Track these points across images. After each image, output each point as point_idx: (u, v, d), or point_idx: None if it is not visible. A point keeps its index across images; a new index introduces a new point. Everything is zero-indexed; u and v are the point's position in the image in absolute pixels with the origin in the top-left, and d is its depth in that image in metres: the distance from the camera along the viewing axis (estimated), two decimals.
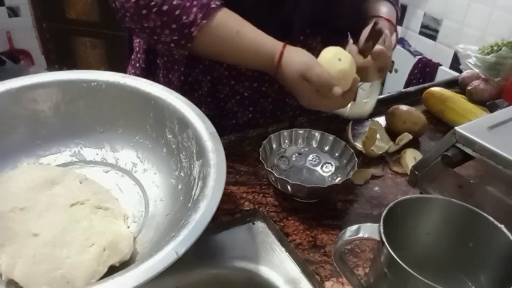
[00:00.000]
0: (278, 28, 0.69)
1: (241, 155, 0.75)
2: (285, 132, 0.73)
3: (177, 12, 0.65)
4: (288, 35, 0.70)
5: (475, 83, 0.95)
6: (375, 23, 0.69)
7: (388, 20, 0.78)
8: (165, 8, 0.65)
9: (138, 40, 0.89)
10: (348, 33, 0.85)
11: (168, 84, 0.84)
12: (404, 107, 0.85)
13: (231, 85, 0.81)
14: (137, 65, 0.89)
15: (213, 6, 0.65)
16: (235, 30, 0.67)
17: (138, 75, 0.88)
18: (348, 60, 0.66)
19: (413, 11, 2.04)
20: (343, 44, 0.73)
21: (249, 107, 0.84)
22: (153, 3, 0.65)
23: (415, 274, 0.38)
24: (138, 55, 0.89)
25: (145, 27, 0.67)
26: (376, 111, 0.92)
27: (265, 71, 0.70)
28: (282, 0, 0.71)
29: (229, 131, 0.84)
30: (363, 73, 0.71)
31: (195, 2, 0.65)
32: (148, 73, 0.87)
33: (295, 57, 0.66)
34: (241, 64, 0.74)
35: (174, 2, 0.65)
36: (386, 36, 0.72)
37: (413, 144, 0.81)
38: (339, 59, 0.65)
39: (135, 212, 0.57)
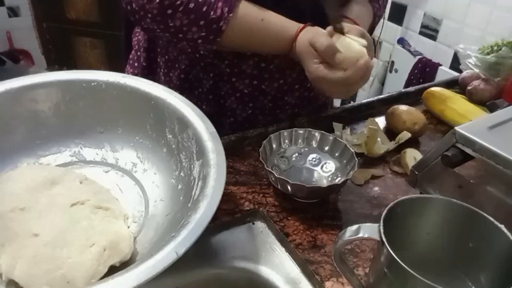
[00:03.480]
0: (289, 17, 0.70)
1: (241, 155, 0.75)
2: (285, 132, 0.73)
3: (204, 8, 0.66)
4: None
5: (475, 83, 0.95)
6: (334, 24, 0.68)
7: (354, 21, 0.75)
8: (191, 5, 0.65)
9: (136, 39, 0.89)
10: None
11: (169, 82, 0.84)
12: (404, 107, 0.85)
13: (231, 82, 0.81)
14: (136, 64, 0.90)
15: None
16: (259, 18, 0.69)
17: (137, 74, 0.88)
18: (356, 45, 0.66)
19: (413, 11, 2.04)
20: None
21: (249, 104, 0.84)
22: (178, 2, 0.65)
23: (415, 274, 0.38)
24: (139, 53, 0.89)
25: (170, 26, 0.67)
26: (376, 111, 0.93)
27: (284, 53, 0.71)
28: None
29: (227, 128, 0.84)
30: None
31: None
32: (148, 72, 0.87)
33: (309, 30, 0.68)
34: (265, 50, 0.75)
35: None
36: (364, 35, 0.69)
37: (413, 144, 0.81)
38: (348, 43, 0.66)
39: (135, 212, 0.57)
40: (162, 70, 0.85)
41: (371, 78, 2.29)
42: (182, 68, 0.81)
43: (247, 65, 0.79)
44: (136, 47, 0.89)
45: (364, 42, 0.66)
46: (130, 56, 0.91)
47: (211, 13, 0.66)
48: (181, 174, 0.58)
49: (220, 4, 0.66)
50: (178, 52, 0.81)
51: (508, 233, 0.42)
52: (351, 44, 0.66)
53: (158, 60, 0.85)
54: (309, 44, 0.66)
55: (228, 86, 0.81)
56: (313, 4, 0.75)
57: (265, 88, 0.83)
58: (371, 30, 0.85)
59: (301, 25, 0.69)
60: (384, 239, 0.41)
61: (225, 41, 0.69)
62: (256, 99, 0.84)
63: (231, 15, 0.67)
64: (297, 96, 0.87)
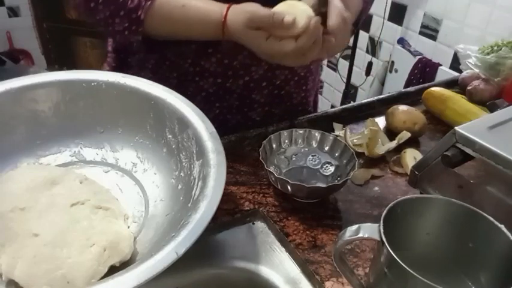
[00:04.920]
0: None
1: (241, 155, 0.75)
2: (285, 132, 0.73)
3: None
4: None
5: (475, 83, 0.95)
6: None
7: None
8: None
9: (109, 39, 0.89)
10: None
11: None
12: (404, 107, 0.85)
13: (196, 81, 0.80)
14: (108, 67, 0.89)
15: None
16: (180, 5, 0.67)
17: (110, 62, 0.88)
18: (305, 6, 0.62)
19: (413, 11, 2.04)
20: None
21: (215, 103, 0.82)
22: None
23: (415, 274, 0.38)
24: (109, 54, 0.88)
25: (98, 19, 0.69)
26: (376, 111, 0.93)
27: (217, 38, 0.68)
28: None
29: None
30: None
31: None
32: (119, 72, 0.86)
33: (239, 11, 0.64)
34: (195, 37, 0.72)
35: None
36: (330, 14, 0.62)
37: (413, 144, 0.81)
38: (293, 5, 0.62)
39: (135, 212, 0.57)
40: (133, 71, 0.83)
41: (371, 78, 2.29)
42: (149, 68, 0.80)
43: (210, 62, 0.77)
44: (109, 47, 0.88)
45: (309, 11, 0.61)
46: (107, 56, 0.91)
47: (129, 3, 0.66)
48: (181, 174, 0.58)
49: None
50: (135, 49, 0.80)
51: (508, 233, 0.42)
52: (295, 5, 0.62)
53: (129, 60, 0.84)
54: (247, 26, 0.62)
55: (193, 85, 0.80)
56: None
57: (230, 86, 0.81)
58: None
59: (226, 6, 0.65)
60: (384, 239, 0.41)
61: (150, 30, 0.69)
62: (222, 98, 0.81)
63: (148, 3, 0.66)
64: (265, 94, 0.84)
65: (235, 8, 0.65)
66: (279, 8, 0.62)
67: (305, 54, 0.63)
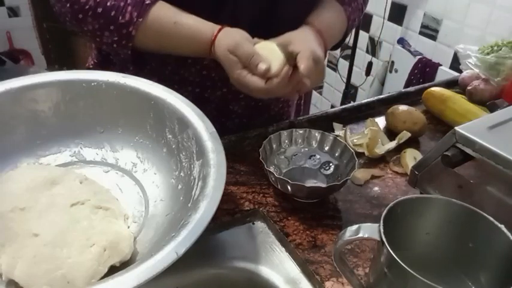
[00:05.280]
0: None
1: (241, 155, 0.75)
2: (285, 132, 0.73)
3: (113, 13, 0.65)
4: None
5: (475, 83, 0.95)
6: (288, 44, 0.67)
7: (317, 30, 0.73)
8: (99, 10, 0.65)
9: None
10: None
11: None
12: (404, 107, 0.85)
13: (174, 89, 0.79)
14: (90, 59, 0.88)
15: (147, 2, 0.66)
16: (172, 21, 0.67)
17: (91, 69, 0.87)
18: (280, 53, 0.66)
19: (413, 11, 2.04)
20: None
21: None
22: (87, 6, 0.65)
23: (415, 274, 0.38)
24: (93, 49, 0.87)
25: (85, 30, 0.68)
26: (376, 111, 0.93)
27: (204, 56, 0.69)
28: (222, 4, 0.70)
29: None
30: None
31: (129, 1, 0.65)
32: (102, 68, 0.85)
33: (229, 36, 0.66)
34: (184, 53, 0.72)
35: (108, 3, 0.65)
36: (301, 59, 0.65)
37: (413, 144, 0.81)
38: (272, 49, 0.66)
39: (135, 212, 0.57)
40: (116, 68, 0.82)
41: (371, 78, 2.29)
42: (131, 69, 0.79)
43: (190, 72, 0.78)
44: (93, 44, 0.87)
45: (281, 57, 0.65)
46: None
47: (120, 18, 0.65)
48: (181, 174, 0.58)
49: (129, 9, 0.65)
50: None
51: (508, 233, 0.42)
52: (273, 49, 0.66)
53: (111, 57, 0.83)
54: (228, 51, 0.64)
55: None
56: (250, 21, 0.72)
57: (208, 96, 0.81)
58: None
59: (218, 27, 0.67)
60: (384, 239, 0.41)
61: (140, 45, 0.69)
62: (201, 107, 0.81)
63: (140, 19, 0.65)
64: (243, 105, 0.85)
65: (227, 31, 0.67)
66: (260, 47, 0.66)
67: (272, 93, 0.66)
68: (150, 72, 0.79)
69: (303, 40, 0.69)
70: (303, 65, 0.64)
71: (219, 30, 0.67)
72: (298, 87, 0.68)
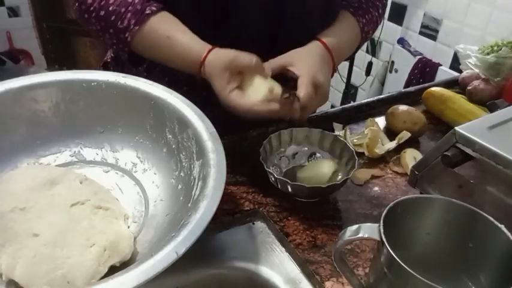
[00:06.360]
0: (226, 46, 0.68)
1: (241, 155, 0.75)
2: (285, 132, 0.73)
3: (113, 18, 0.68)
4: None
5: (475, 83, 0.95)
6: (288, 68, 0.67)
7: (327, 47, 0.73)
8: (102, 13, 0.68)
9: None
10: None
11: (137, 76, 0.83)
12: (404, 107, 0.85)
13: (184, 91, 0.78)
14: (108, 54, 0.91)
15: (147, 12, 0.67)
16: (165, 35, 0.68)
17: (108, 63, 0.90)
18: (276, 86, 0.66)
19: (413, 11, 2.04)
20: None
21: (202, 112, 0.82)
22: (92, 8, 0.68)
23: (415, 274, 0.38)
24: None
25: (91, 29, 0.71)
26: (376, 111, 0.93)
27: (195, 73, 0.69)
28: (226, 17, 0.71)
29: None
30: None
31: (130, 8, 0.67)
32: (117, 62, 0.88)
33: (220, 55, 0.66)
34: (176, 68, 0.73)
35: (110, 8, 0.67)
36: (301, 85, 0.66)
37: (413, 144, 0.81)
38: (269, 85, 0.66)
39: (135, 212, 0.57)
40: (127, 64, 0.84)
41: (371, 78, 2.29)
42: (144, 67, 0.81)
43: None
44: None
45: (276, 90, 0.65)
46: None
47: (119, 23, 0.68)
48: (181, 174, 0.58)
49: (129, 15, 0.67)
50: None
51: (508, 233, 0.42)
52: (259, 86, 0.66)
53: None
54: (225, 67, 0.64)
55: (179, 92, 0.79)
56: (256, 35, 0.72)
57: (216, 99, 0.80)
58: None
59: (208, 47, 0.67)
60: (384, 239, 0.41)
61: (136, 51, 0.71)
62: (208, 109, 0.80)
63: (136, 27, 0.67)
64: None
65: (217, 51, 0.67)
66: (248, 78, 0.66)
67: (260, 115, 0.65)
68: (162, 72, 0.80)
69: (305, 61, 0.69)
70: (302, 93, 0.64)
71: (209, 51, 0.66)
72: (295, 111, 0.67)
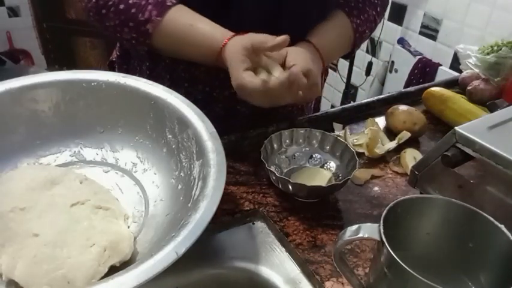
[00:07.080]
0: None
1: (241, 155, 0.75)
2: (286, 132, 0.73)
3: (133, 10, 0.68)
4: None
5: (475, 83, 0.95)
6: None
7: (316, 48, 0.74)
8: (121, 6, 0.68)
9: None
10: None
11: (140, 74, 0.85)
12: (404, 107, 0.85)
13: (185, 87, 0.81)
14: (114, 53, 0.92)
15: (168, 4, 0.68)
16: (188, 23, 0.69)
17: (114, 62, 0.91)
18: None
19: (413, 11, 2.04)
20: None
21: (202, 110, 0.83)
22: (110, 2, 0.68)
23: (415, 274, 0.38)
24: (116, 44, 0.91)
25: (107, 26, 0.71)
26: (376, 111, 0.93)
27: (211, 61, 0.70)
28: (227, 8, 0.71)
29: None
30: None
31: (150, 0, 0.68)
32: (123, 61, 0.88)
33: (240, 39, 0.66)
34: (196, 58, 0.73)
35: (130, 1, 0.68)
36: (294, 67, 0.66)
37: (413, 144, 0.81)
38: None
39: (135, 212, 0.57)
40: (135, 61, 0.86)
41: (371, 78, 2.29)
42: (147, 65, 0.82)
43: (200, 70, 0.79)
44: None
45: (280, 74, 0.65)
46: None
47: (140, 15, 0.68)
48: (181, 174, 0.58)
49: (149, 7, 0.68)
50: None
51: (508, 233, 0.42)
52: (271, 66, 0.67)
53: (131, 51, 0.86)
54: (243, 47, 0.64)
55: (182, 90, 0.77)
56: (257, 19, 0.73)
57: (216, 96, 0.82)
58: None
59: (231, 34, 0.68)
60: (384, 239, 0.41)
61: (156, 44, 0.71)
62: (209, 106, 0.81)
63: (158, 18, 0.68)
64: (250, 106, 0.81)
65: (238, 36, 0.67)
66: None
67: (273, 98, 0.65)
68: (164, 70, 0.81)
69: (297, 54, 0.70)
70: (295, 69, 0.64)
71: (231, 36, 0.67)
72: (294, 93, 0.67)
